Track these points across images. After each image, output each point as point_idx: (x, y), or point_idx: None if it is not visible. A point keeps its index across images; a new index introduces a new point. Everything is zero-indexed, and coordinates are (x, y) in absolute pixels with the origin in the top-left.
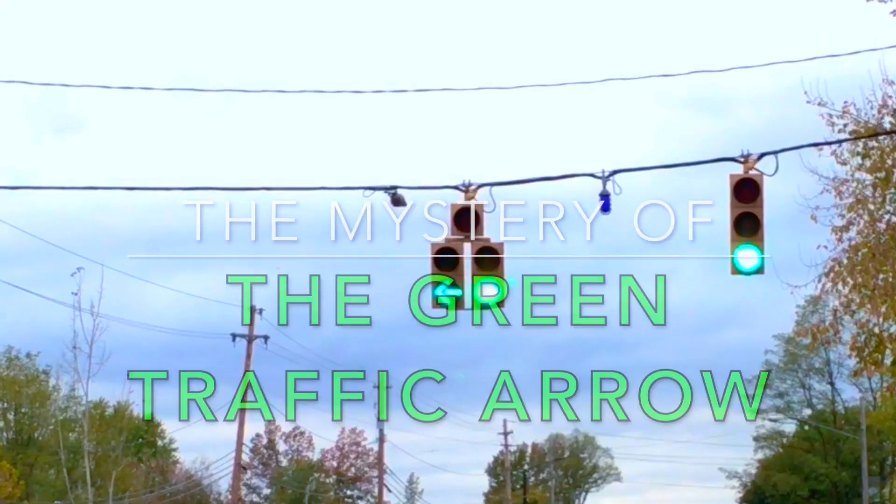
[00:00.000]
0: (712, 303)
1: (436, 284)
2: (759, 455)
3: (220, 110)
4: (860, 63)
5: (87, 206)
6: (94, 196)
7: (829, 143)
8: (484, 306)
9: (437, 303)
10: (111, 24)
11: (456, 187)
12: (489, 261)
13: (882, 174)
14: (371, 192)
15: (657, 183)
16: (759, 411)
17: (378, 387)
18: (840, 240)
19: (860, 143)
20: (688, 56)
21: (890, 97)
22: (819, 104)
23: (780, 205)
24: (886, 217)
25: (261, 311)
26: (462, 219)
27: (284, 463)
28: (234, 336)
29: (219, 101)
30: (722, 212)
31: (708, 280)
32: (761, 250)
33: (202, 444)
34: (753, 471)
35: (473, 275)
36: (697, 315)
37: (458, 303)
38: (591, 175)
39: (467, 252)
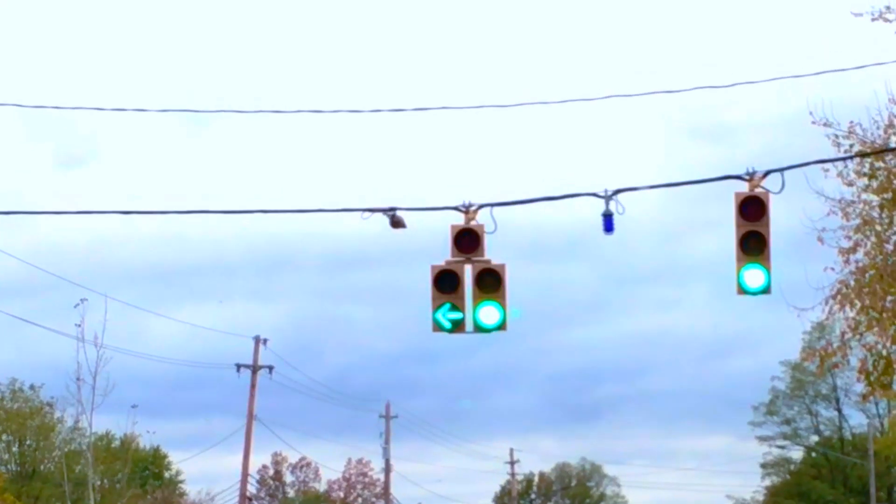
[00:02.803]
0: (719, 330)
1: (436, 308)
2: (767, 482)
3: (216, 132)
4: (865, 81)
5: (90, 238)
6: (96, 228)
7: (836, 161)
8: (484, 330)
9: (436, 326)
10: (98, 47)
11: (456, 208)
12: (490, 283)
13: (889, 195)
14: (370, 213)
15: (663, 211)
16: (765, 438)
17: (385, 416)
18: (847, 261)
19: (866, 164)
20: (691, 77)
21: None
22: (825, 125)
23: (786, 230)
24: (894, 238)
25: (265, 341)
26: (462, 240)
27: (291, 494)
28: (238, 366)
29: (213, 121)
30: (727, 240)
31: (715, 307)
32: (768, 269)
33: (209, 476)
34: (761, 498)
35: (474, 297)
36: (704, 342)
37: (459, 326)
38: (594, 195)
39: (468, 274)
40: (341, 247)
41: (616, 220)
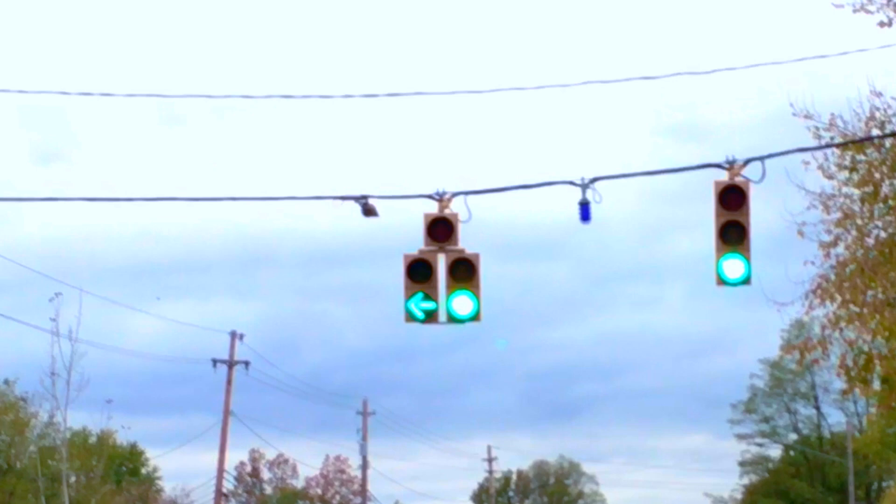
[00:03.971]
0: (698, 329)
1: (408, 297)
2: (745, 480)
3: (184, 117)
4: (847, 76)
5: (69, 234)
6: (76, 224)
7: (817, 149)
8: (458, 320)
9: (409, 317)
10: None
11: (429, 196)
12: (464, 272)
13: (870, 188)
14: (341, 201)
15: (642, 209)
16: (744, 436)
17: (362, 413)
18: (827, 255)
19: (847, 157)
20: (671, 66)
21: (878, 109)
22: (805, 116)
23: (767, 230)
24: (875, 232)
25: (241, 336)
26: (436, 229)
27: (269, 491)
28: (214, 361)
29: (183, 107)
30: (705, 239)
31: (693, 306)
32: (748, 259)
33: (186, 472)
34: (739, 496)
35: (448, 287)
36: (683, 341)
37: (432, 317)
38: (571, 183)
39: (441, 264)
40: (319, 244)
41: (595, 219)
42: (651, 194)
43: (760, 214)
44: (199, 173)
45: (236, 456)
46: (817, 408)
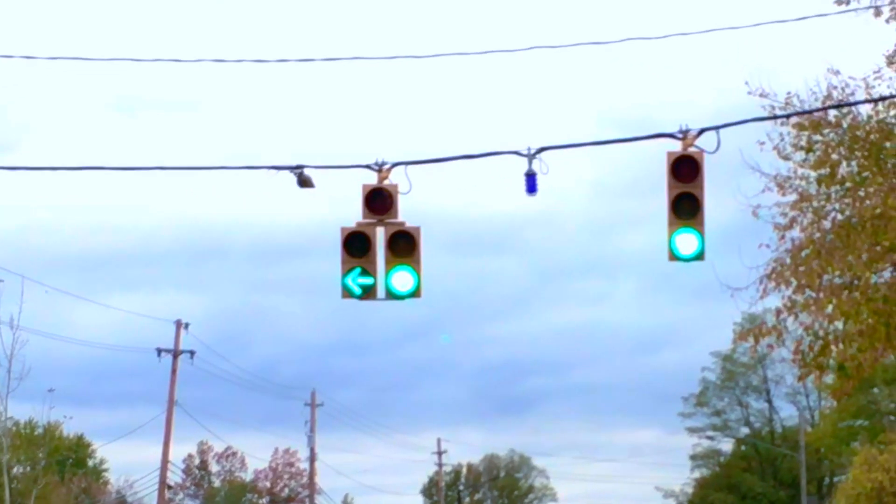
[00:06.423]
0: (650, 324)
1: (345, 272)
2: (696, 474)
3: (111, 80)
4: (804, 50)
5: (20, 225)
6: (25, 217)
7: (772, 119)
8: (397, 297)
9: (346, 292)
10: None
11: (368, 167)
12: (404, 247)
13: (826, 170)
14: (276, 171)
15: (593, 205)
16: (695, 430)
17: (310, 404)
18: (783, 238)
19: (803, 137)
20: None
21: (835, 87)
22: (761, 95)
23: (721, 219)
24: (832, 214)
25: (186, 325)
26: (374, 201)
27: (217, 483)
28: (159, 351)
29: (109, 69)
30: (657, 234)
31: (644, 301)
32: (701, 234)
33: (135, 465)
34: (690, 490)
35: (387, 262)
36: (634, 336)
37: (370, 292)
38: (516, 153)
39: (380, 237)
40: (269, 236)
41: (546, 215)
42: (602, 189)
43: (714, 206)
44: (129, 137)
45: (185, 448)
46: (769, 401)
